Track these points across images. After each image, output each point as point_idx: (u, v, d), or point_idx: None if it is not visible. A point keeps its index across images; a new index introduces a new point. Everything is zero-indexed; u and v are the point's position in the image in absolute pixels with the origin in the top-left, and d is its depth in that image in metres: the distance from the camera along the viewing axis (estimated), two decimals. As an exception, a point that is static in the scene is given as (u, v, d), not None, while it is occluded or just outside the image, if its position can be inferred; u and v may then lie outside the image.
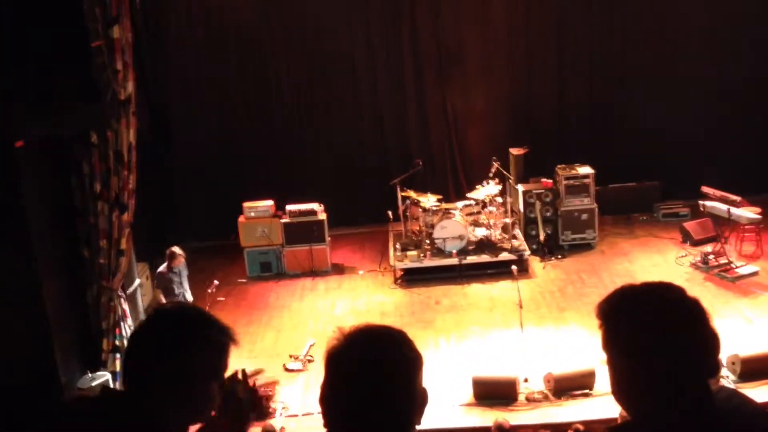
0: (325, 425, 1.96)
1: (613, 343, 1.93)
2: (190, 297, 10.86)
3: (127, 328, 10.11)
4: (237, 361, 8.91)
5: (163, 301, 10.54)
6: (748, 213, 12.06)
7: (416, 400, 1.92)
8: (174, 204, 14.44)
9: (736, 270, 11.99)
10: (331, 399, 1.94)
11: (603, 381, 9.22)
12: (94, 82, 9.16)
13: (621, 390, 1.93)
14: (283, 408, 9.42)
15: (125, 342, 10.07)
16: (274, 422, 8.95)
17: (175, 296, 10.62)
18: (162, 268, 10.80)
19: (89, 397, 2.30)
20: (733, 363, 9.00)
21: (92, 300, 9.75)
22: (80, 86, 9.04)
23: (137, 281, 11.58)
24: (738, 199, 12.13)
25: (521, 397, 9.28)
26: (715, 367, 1.89)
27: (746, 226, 12.40)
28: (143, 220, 10.99)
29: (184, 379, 2.20)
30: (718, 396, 1.88)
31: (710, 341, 1.87)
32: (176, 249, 10.81)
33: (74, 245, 9.63)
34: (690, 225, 13.45)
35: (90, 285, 9.73)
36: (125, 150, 9.68)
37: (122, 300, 10.18)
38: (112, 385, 9.68)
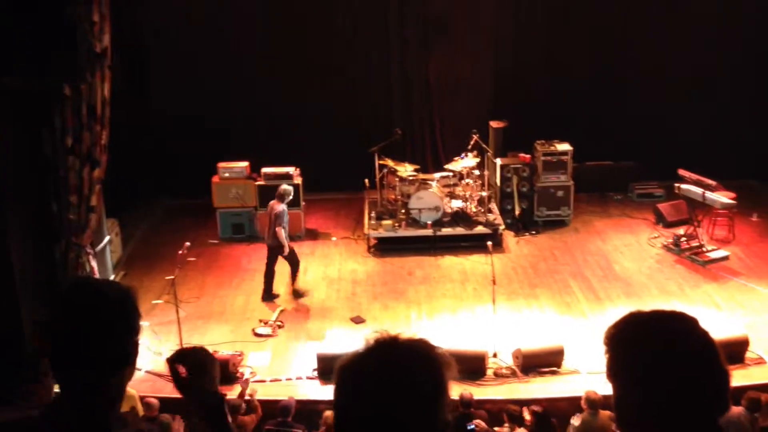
0: None
1: (619, 371, 1.85)
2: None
3: (95, 285, 9.95)
4: (206, 328, 8.75)
5: (285, 239, 10.94)
6: (723, 198, 12.12)
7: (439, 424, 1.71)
8: (146, 161, 14.18)
9: (707, 254, 12.09)
10: (344, 413, 1.74)
11: (570, 359, 9.29)
12: (69, 33, 8.91)
13: (626, 421, 1.86)
14: (251, 373, 9.38)
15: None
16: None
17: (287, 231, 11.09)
18: (282, 206, 11.01)
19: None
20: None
21: (60, 256, 9.57)
22: (54, 36, 8.80)
23: (107, 238, 11.42)
24: (714, 183, 12.17)
25: (489, 372, 9.32)
26: (725, 404, 1.82)
27: (719, 211, 12.47)
28: (114, 176, 10.77)
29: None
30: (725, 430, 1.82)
31: (720, 376, 1.80)
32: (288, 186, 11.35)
33: (44, 200, 9.40)
34: (664, 206, 13.52)
35: (58, 241, 9.54)
36: (99, 104, 9.43)
37: (91, 257, 10.01)
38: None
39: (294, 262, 11.40)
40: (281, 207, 11.07)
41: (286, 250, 11.10)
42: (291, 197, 11.39)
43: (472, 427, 7.77)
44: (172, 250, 11.10)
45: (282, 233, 10.99)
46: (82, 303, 2.06)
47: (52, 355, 2.04)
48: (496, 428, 8.00)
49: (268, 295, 11.29)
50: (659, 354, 1.77)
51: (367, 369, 1.69)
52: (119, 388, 2.11)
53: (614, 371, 1.84)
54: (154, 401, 7.95)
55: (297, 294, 11.41)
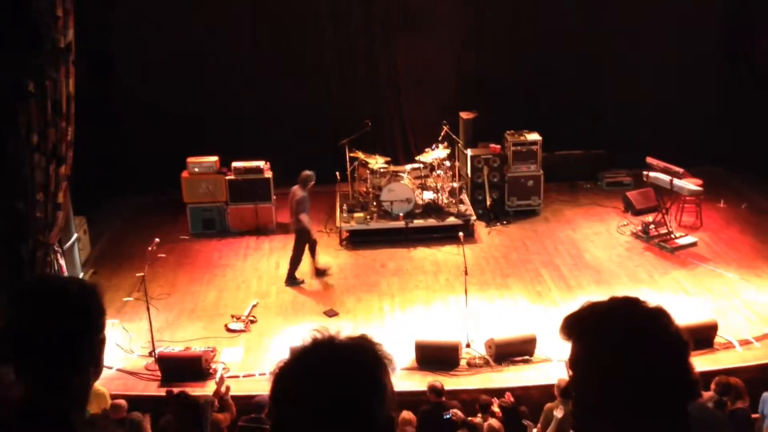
0: None
1: (581, 361, 1.83)
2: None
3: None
4: (178, 324, 8.64)
5: (307, 223, 11.26)
6: (690, 185, 12.27)
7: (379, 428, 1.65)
8: (114, 157, 14.00)
9: (676, 240, 12.23)
10: (280, 412, 1.67)
11: (542, 347, 9.36)
12: (33, 29, 8.78)
13: (588, 409, 1.84)
14: (224, 369, 9.33)
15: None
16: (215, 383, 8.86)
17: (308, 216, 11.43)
18: (304, 192, 11.29)
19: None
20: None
21: (27, 255, 9.43)
22: (18, 33, 8.66)
23: (75, 236, 11.30)
24: (681, 170, 12.31)
25: (463, 362, 9.37)
26: (693, 386, 1.81)
27: (687, 198, 12.63)
28: (81, 173, 10.63)
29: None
30: (692, 416, 1.81)
31: (683, 361, 1.79)
32: (309, 171, 11.54)
33: (9, 198, 9.25)
34: (632, 194, 13.65)
35: (25, 239, 9.40)
36: (64, 100, 9.31)
37: (59, 255, 9.90)
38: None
39: (297, 251, 11.41)
40: (303, 192, 11.30)
41: (314, 233, 11.52)
42: (313, 182, 11.53)
43: (449, 416, 7.82)
44: (142, 246, 11.00)
45: (305, 218, 11.26)
46: (40, 301, 2.03)
47: (13, 355, 2.01)
48: (469, 418, 8.04)
49: (291, 280, 11.44)
50: (626, 340, 1.76)
51: (303, 366, 1.65)
52: (84, 388, 2.08)
53: (579, 362, 1.83)
54: (122, 402, 7.89)
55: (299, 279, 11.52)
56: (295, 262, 11.49)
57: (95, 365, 2.11)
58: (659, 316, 1.80)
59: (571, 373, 1.85)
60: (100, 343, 2.10)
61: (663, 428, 1.75)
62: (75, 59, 9.43)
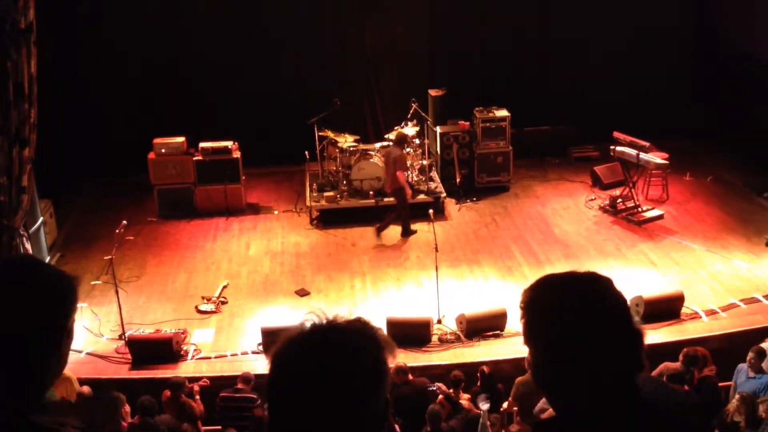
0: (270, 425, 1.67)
1: (536, 334, 1.83)
2: None
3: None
4: (148, 307, 8.60)
5: (403, 180, 11.73)
6: (656, 158, 12.38)
7: (374, 418, 1.62)
8: (80, 139, 13.78)
9: (643, 213, 12.37)
10: (280, 402, 1.63)
11: (513, 322, 9.44)
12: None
13: (545, 383, 1.85)
14: (195, 350, 9.30)
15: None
16: (187, 365, 8.86)
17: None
18: (400, 151, 11.88)
19: None
20: (637, 305, 9.34)
21: (-8, 240, 9.30)
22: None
23: (40, 219, 11.14)
24: (647, 144, 12.42)
25: (434, 338, 9.43)
26: (640, 363, 1.83)
27: (653, 171, 12.76)
28: (46, 155, 10.46)
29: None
30: (645, 389, 1.84)
31: (634, 336, 1.81)
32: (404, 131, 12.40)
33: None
34: (600, 169, 13.75)
35: (-11, 224, 9.26)
36: (26, 82, 9.15)
37: (24, 239, 9.76)
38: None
39: (403, 208, 11.95)
40: (400, 152, 11.84)
41: (409, 192, 12.00)
42: (408, 141, 12.27)
43: (434, 388, 7.91)
44: (110, 229, 10.89)
45: (402, 176, 11.73)
46: (8, 282, 1.97)
47: None
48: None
49: (407, 232, 12.03)
50: (573, 315, 1.77)
51: (304, 350, 1.61)
52: (45, 375, 2.01)
53: (531, 334, 1.85)
54: (86, 390, 7.85)
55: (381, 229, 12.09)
56: (405, 217, 12.00)
57: (58, 354, 2.04)
58: (612, 294, 1.82)
59: (527, 346, 1.88)
60: (65, 330, 2.03)
61: (612, 403, 1.77)
62: (37, 40, 9.26)
